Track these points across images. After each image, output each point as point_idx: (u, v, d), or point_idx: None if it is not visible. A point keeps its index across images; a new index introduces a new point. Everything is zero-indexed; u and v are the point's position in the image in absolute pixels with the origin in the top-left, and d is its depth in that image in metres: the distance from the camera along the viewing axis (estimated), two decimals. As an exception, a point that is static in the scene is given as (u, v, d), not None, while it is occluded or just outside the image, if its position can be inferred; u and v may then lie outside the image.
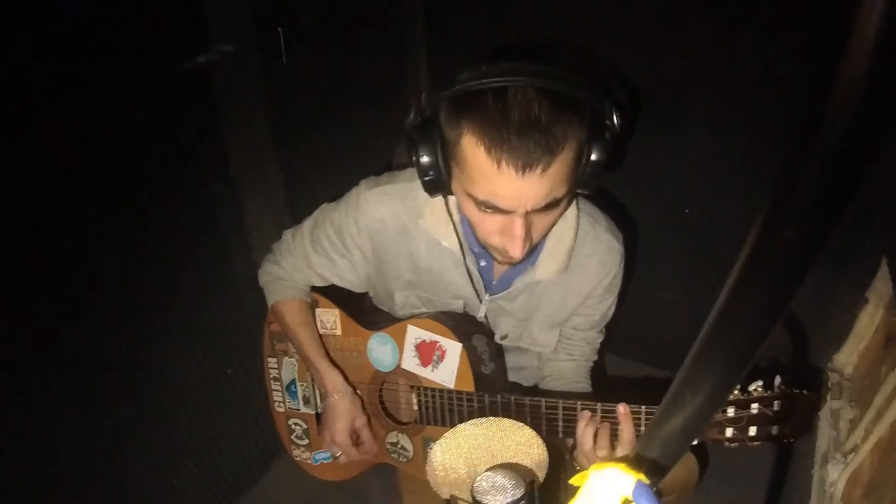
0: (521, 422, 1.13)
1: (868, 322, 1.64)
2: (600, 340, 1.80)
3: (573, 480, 0.72)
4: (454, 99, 1.26)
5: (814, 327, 2.00)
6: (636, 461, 0.69)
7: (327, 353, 1.74)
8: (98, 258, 1.76)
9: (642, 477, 0.66)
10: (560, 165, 1.24)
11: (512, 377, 1.83)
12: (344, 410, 1.70)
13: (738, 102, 2.13)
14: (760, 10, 1.96)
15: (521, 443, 1.07)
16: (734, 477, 2.37)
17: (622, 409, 1.41)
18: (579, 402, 1.46)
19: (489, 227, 1.35)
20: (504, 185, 1.24)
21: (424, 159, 1.32)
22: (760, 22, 1.98)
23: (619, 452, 1.43)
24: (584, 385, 1.78)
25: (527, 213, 1.29)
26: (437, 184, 1.36)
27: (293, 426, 1.92)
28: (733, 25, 2.03)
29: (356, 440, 1.75)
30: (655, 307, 2.61)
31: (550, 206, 1.31)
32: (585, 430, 1.44)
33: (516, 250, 1.33)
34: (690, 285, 2.54)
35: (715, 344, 0.58)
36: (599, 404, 1.44)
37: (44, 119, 1.56)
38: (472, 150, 1.23)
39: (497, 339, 1.71)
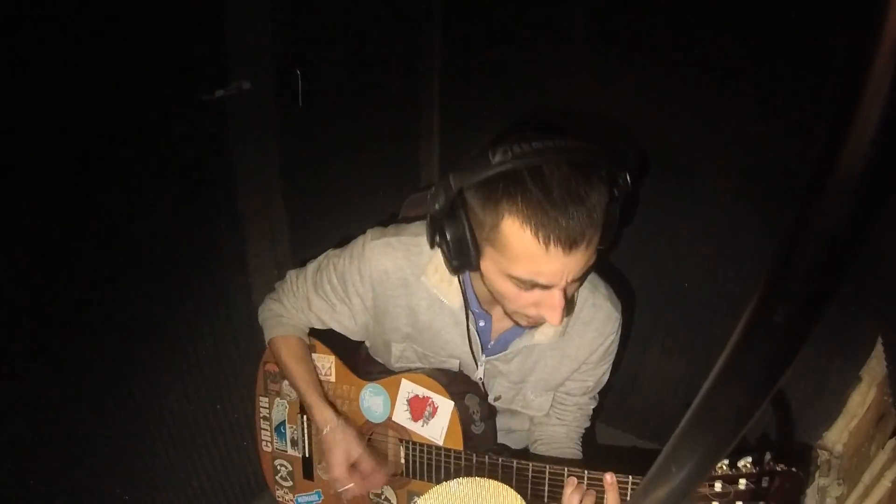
0: (507, 484, 1.13)
1: (860, 400, 1.64)
2: (593, 407, 1.80)
3: None
4: (487, 181, 1.24)
5: (806, 404, 2.00)
6: None
7: (322, 390, 1.73)
8: (97, 285, 1.76)
9: None
10: (598, 235, 1.26)
11: (501, 439, 1.83)
12: (338, 442, 1.66)
13: (740, 176, 2.15)
14: (766, 77, 1.98)
15: (506, 507, 1.07)
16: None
17: (609, 477, 1.40)
18: (566, 468, 1.46)
19: (526, 301, 1.34)
20: (552, 264, 1.24)
21: (454, 243, 1.31)
22: (766, 89, 2.00)
23: None
24: (575, 451, 1.77)
25: (566, 284, 1.29)
26: (466, 265, 1.35)
27: (279, 466, 1.91)
28: (737, 93, 2.05)
29: (358, 472, 1.70)
30: (648, 379, 2.60)
31: (587, 273, 1.33)
32: (572, 496, 1.43)
33: (557, 320, 1.32)
34: (684, 358, 2.54)
35: (701, 421, 0.59)
36: (586, 471, 1.44)
37: (56, 142, 1.57)
38: (516, 232, 1.22)
39: (491, 400, 1.71)
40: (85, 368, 1.80)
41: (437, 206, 1.29)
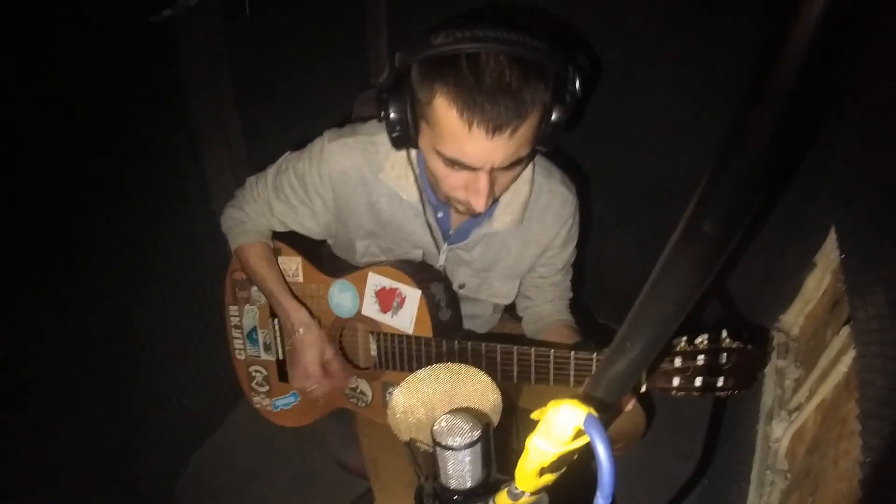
0: (477, 367, 1.16)
1: (815, 286, 1.69)
2: (570, 278, 1.86)
3: (534, 415, 0.78)
4: (428, 61, 1.30)
5: (761, 288, 2.06)
6: (586, 399, 0.74)
7: (292, 291, 1.75)
8: (56, 203, 1.76)
9: (592, 410, 0.72)
10: (526, 128, 1.31)
11: (466, 325, 1.88)
12: (312, 342, 1.71)
13: (694, 65, 2.18)
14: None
15: (477, 388, 1.10)
16: (680, 429, 2.45)
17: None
18: (533, 349, 1.50)
19: (454, 182, 1.41)
20: (473, 145, 1.30)
21: (394, 116, 1.38)
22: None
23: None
24: (567, 318, 1.85)
25: (491, 170, 1.35)
26: (405, 139, 1.42)
27: (254, 373, 1.94)
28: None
29: (326, 372, 1.75)
30: (606, 260, 2.66)
31: (514, 164, 1.38)
32: None
33: (480, 204, 1.40)
34: (639, 240, 2.63)
35: (648, 307, 0.67)
36: (552, 350, 1.48)
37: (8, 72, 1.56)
38: (445, 111, 1.29)
39: (455, 287, 1.75)
40: (49, 289, 1.80)
41: (381, 81, 1.37)
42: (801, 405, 1.54)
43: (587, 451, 0.73)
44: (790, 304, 1.76)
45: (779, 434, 1.59)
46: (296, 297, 1.75)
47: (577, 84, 1.37)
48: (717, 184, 0.57)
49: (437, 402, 1.10)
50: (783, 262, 1.93)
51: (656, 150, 2.41)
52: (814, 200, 1.70)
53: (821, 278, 1.66)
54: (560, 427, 0.74)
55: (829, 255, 1.60)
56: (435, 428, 0.96)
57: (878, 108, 1.34)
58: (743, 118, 0.54)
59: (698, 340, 1.35)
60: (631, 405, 1.54)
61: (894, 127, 1.25)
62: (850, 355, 1.27)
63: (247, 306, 1.89)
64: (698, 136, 2.12)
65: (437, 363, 1.12)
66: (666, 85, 2.27)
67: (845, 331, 1.37)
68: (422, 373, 1.11)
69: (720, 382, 1.36)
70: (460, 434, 0.95)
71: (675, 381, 1.37)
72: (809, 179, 1.74)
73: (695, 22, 2.11)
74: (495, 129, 1.27)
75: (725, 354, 1.34)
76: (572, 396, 0.74)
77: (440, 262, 1.72)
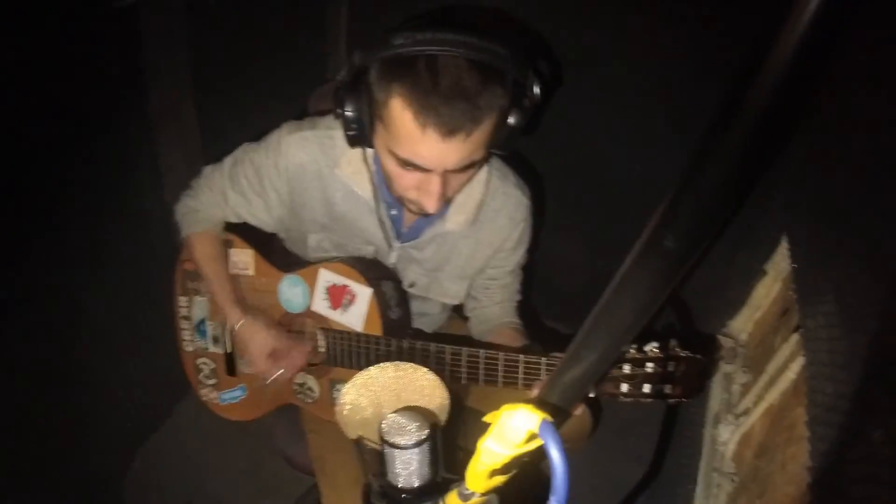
0: (426, 367, 1.16)
1: (764, 293, 1.71)
2: (520, 280, 1.86)
3: (486, 418, 0.78)
4: (387, 61, 1.29)
5: (711, 295, 2.08)
6: (540, 404, 0.75)
7: (233, 290, 1.74)
8: (6, 189, 1.71)
9: (547, 416, 0.72)
10: (481, 132, 1.31)
11: (415, 323, 1.88)
12: (253, 333, 1.69)
13: (647, 68, 2.21)
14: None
15: (425, 387, 1.09)
16: (628, 432, 2.47)
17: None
18: (481, 350, 1.50)
19: (407, 182, 1.41)
20: (427, 147, 1.30)
21: (350, 114, 1.38)
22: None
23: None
24: (513, 320, 1.85)
25: (444, 172, 1.36)
26: (360, 138, 1.42)
27: (201, 366, 1.92)
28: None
29: (278, 358, 1.72)
30: (554, 262, 2.66)
31: (468, 167, 1.39)
32: None
33: (431, 205, 1.41)
34: (587, 243, 2.65)
35: (606, 317, 0.70)
36: (501, 353, 1.48)
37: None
38: (400, 112, 1.28)
39: (405, 286, 1.75)
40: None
41: (340, 79, 1.37)
42: (748, 410, 1.56)
43: (537, 453, 0.74)
44: (739, 310, 1.78)
45: (725, 437, 1.61)
46: (233, 295, 1.73)
47: (537, 89, 1.37)
48: (681, 200, 0.59)
49: (385, 401, 1.10)
50: (733, 269, 1.95)
51: (607, 153, 2.42)
52: (765, 209, 1.72)
53: (770, 286, 1.68)
54: (513, 431, 0.75)
55: (779, 264, 1.62)
56: (383, 427, 0.95)
57: (829, 117, 1.36)
58: (710, 139, 0.55)
59: (647, 348, 1.36)
60: (580, 409, 1.55)
61: (845, 136, 1.26)
62: (799, 362, 1.28)
63: (196, 297, 1.87)
64: (650, 141, 2.16)
65: (386, 361, 1.12)
66: (620, 89, 2.29)
67: (794, 338, 1.38)
68: (371, 370, 1.10)
69: (668, 390, 1.37)
70: (408, 433, 0.94)
71: (624, 388, 1.38)
72: (761, 188, 1.76)
73: (651, 25, 2.13)
74: (449, 132, 1.27)
75: (674, 363, 1.36)
76: (524, 400, 0.74)
77: (391, 259, 1.71)
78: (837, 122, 1.32)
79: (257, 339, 1.69)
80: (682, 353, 1.36)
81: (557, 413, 0.76)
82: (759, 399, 1.51)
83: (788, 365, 1.37)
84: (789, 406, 1.32)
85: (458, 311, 1.97)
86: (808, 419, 1.06)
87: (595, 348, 0.70)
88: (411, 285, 1.76)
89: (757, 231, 1.79)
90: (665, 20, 2.10)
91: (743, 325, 1.78)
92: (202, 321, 1.87)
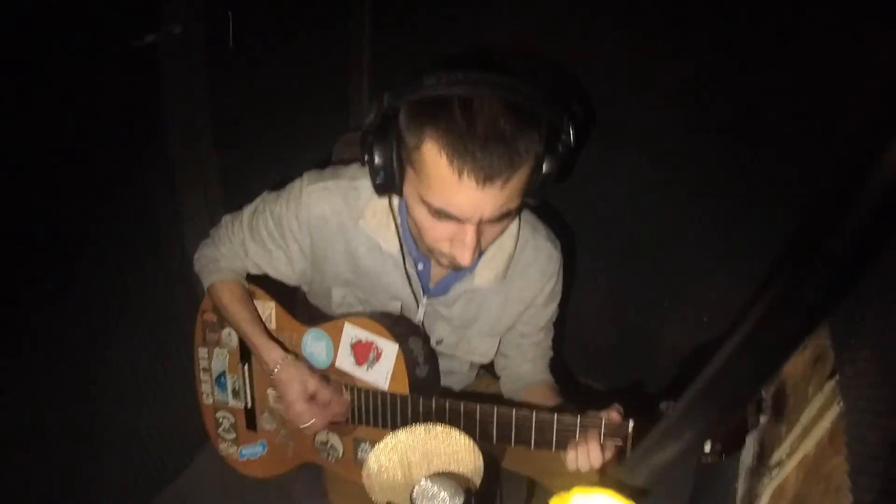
0: (455, 426, 1.13)
1: (797, 340, 1.67)
2: (551, 337, 1.81)
3: (553, 501, 0.73)
4: (419, 104, 1.25)
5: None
6: (621, 487, 0.70)
7: (266, 329, 1.69)
8: (22, 242, 1.70)
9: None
10: (518, 180, 1.25)
11: (443, 381, 1.82)
12: (292, 377, 1.63)
13: (681, 123, 2.19)
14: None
15: (457, 450, 1.07)
16: (656, 488, 2.41)
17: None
18: (514, 410, 1.46)
19: (440, 233, 1.35)
20: (463, 195, 1.24)
21: (378, 160, 1.32)
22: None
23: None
24: (545, 377, 1.80)
25: (479, 223, 1.30)
26: (389, 186, 1.36)
27: (221, 419, 1.89)
28: (688, 46, 2.09)
29: (317, 403, 1.66)
30: (586, 318, 2.62)
31: (503, 217, 1.32)
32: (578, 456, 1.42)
33: (466, 258, 1.33)
34: (619, 296, 2.59)
35: (715, 392, 0.66)
36: (535, 412, 1.44)
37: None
38: (434, 156, 1.23)
39: (433, 343, 1.70)
40: (14, 327, 1.74)
41: (368, 123, 1.30)
42: (781, 461, 1.52)
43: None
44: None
45: (759, 491, 1.57)
46: (270, 336, 1.68)
47: (571, 135, 1.33)
48: (825, 247, 0.56)
49: (415, 464, 1.07)
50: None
51: (639, 207, 2.40)
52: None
53: (802, 333, 1.65)
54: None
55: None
56: (414, 494, 0.93)
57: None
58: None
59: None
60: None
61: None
62: (834, 411, 1.25)
63: (216, 349, 1.84)
64: (681, 196, 2.12)
65: (412, 421, 1.09)
66: (651, 143, 2.26)
67: (829, 386, 1.35)
68: (399, 433, 1.08)
69: (707, 448, 1.33)
70: (441, 502, 0.91)
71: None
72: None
73: (681, 81, 2.11)
74: (486, 178, 1.21)
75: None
76: (595, 480, 0.70)
77: (419, 316, 1.66)
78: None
79: (300, 379, 1.62)
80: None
81: (640, 497, 0.71)
82: (792, 450, 1.47)
83: (823, 413, 1.34)
84: (825, 456, 1.29)
85: (487, 367, 1.92)
86: (849, 469, 1.04)
87: (698, 424, 0.65)
88: (439, 342, 1.71)
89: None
90: (696, 72, 2.09)
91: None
92: (222, 374, 1.85)
